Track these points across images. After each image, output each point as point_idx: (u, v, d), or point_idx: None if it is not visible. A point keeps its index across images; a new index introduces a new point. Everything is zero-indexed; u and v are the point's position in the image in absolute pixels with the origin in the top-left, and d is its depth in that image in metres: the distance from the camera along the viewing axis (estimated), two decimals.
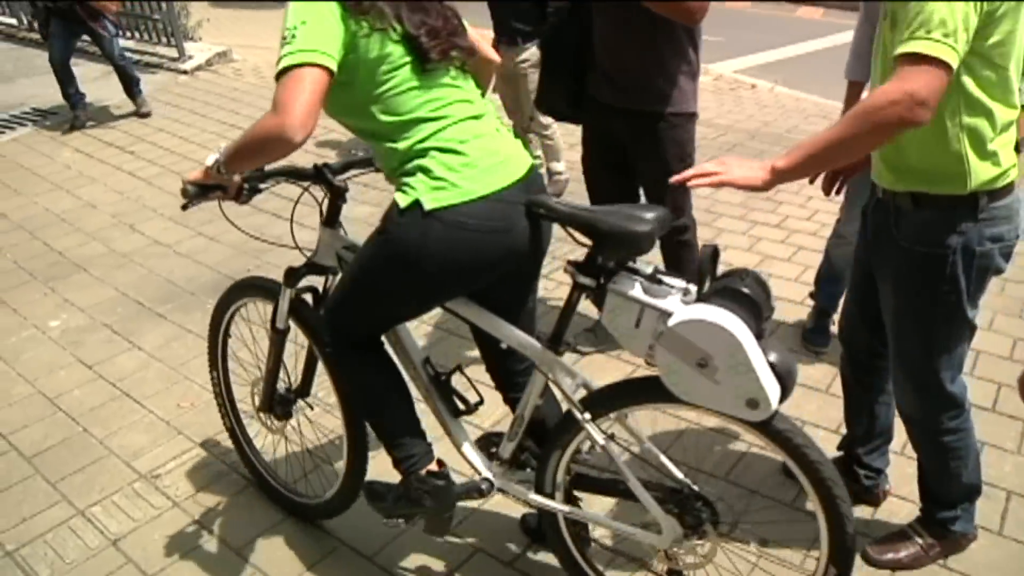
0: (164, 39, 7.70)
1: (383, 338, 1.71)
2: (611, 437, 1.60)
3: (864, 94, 1.84)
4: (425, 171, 1.42)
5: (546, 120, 4.23)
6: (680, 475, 1.58)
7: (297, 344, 2.04)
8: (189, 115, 6.29)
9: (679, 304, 1.38)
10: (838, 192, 2.21)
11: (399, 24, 1.39)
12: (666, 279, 1.44)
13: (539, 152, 4.49)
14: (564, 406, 1.61)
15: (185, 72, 7.39)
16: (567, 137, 4.61)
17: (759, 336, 1.33)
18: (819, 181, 2.05)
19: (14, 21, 9.33)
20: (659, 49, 2.41)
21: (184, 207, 1.70)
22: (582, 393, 1.61)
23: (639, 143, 2.54)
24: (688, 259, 2.69)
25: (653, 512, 1.58)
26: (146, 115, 6.15)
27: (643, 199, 2.63)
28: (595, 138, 2.69)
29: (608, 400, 1.56)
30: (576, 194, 4.47)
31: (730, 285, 1.36)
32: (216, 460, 2.55)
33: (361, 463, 1.95)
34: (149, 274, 3.84)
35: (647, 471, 1.65)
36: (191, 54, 7.65)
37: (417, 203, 1.41)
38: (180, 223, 4.32)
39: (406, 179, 1.45)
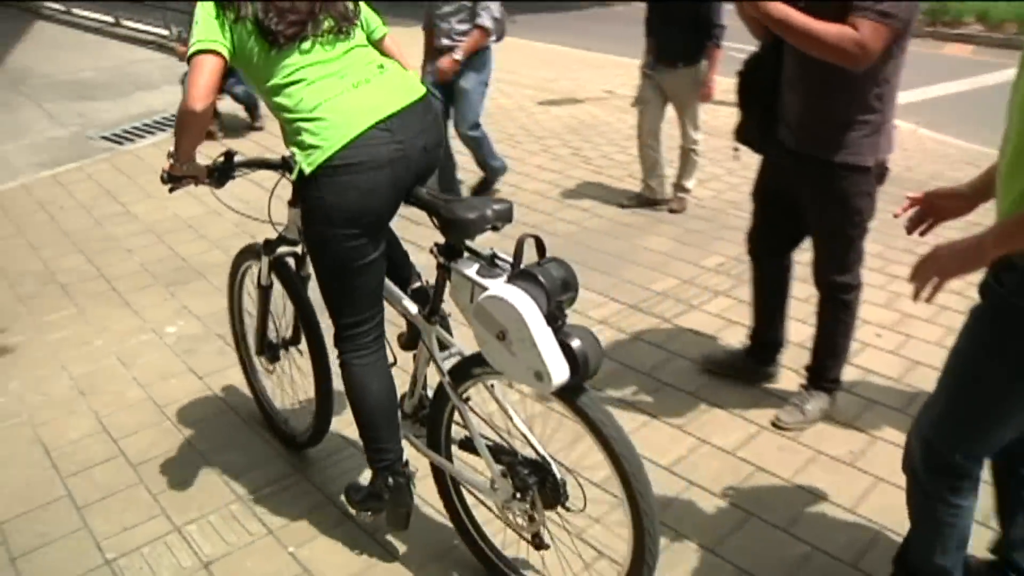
0: None
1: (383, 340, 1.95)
2: (467, 400, 1.77)
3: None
4: (299, 145, 1.69)
5: (697, 136, 4.58)
6: (537, 446, 1.66)
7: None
8: None
9: (499, 283, 1.53)
10: (922, 235, 1.94)
11: (249, 11, 1.66)
12: (501, 263, 1.64)
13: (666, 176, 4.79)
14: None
15: None
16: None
17: (552, 317, 1.46)
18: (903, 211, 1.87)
19: (166, 32, 9.90)
20: (832, 94, 2.29)
21: (170, 190, 2.01)
22: (455, 361, 1.80)
23: (805, 189, 2.48)
24: (845, 322, 2.58)
25: (491, 469, 1.74)
26: (259, 129, 6.35)
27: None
28: (768, 173, 2.66)
29: (467, 368, 1.72)
30: (702, 218, 4.34)
31: (529, 269, 1.51)
32: (315, 489, 2.48)
33: (327, 407, 2.31)
34: None
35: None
36: None
37: (302, 172, 1.69)
38: None
39: (294, 158, 1.73)
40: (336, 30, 1.77)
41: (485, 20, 4.30)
